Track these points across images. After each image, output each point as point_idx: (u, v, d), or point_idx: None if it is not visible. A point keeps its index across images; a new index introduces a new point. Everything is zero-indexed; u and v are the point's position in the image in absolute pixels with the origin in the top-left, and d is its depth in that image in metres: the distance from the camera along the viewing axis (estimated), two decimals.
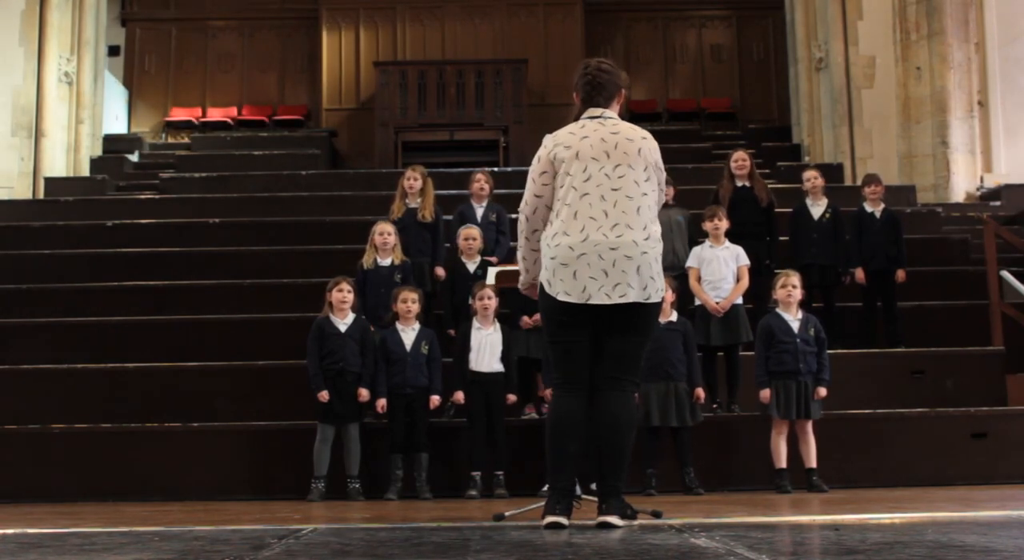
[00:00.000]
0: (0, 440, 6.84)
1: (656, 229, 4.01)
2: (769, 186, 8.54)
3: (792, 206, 8.54)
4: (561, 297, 3.92)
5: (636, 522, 3.99)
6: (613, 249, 3.88)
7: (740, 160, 8.17)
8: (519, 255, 4.23)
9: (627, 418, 3.95)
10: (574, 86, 4.19)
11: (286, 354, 7.52)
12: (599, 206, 3.92)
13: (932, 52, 12.18)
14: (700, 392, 6.64)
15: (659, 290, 3.96)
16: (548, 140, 4.12)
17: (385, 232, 7.41)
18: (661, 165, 4.11)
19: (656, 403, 6.49)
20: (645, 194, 3.98)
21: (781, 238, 8.27)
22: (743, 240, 7.53)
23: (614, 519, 3.83)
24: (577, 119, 4.13)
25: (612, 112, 4.15)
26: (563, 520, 3.80)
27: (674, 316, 6.72)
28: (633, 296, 3.88)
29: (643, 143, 4.04)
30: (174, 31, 17.87)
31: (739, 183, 8.11)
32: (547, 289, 3.98)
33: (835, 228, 8.22)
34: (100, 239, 10.21)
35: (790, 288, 6.63)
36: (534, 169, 4.08)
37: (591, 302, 3.88)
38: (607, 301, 3.87)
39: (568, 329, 3.96)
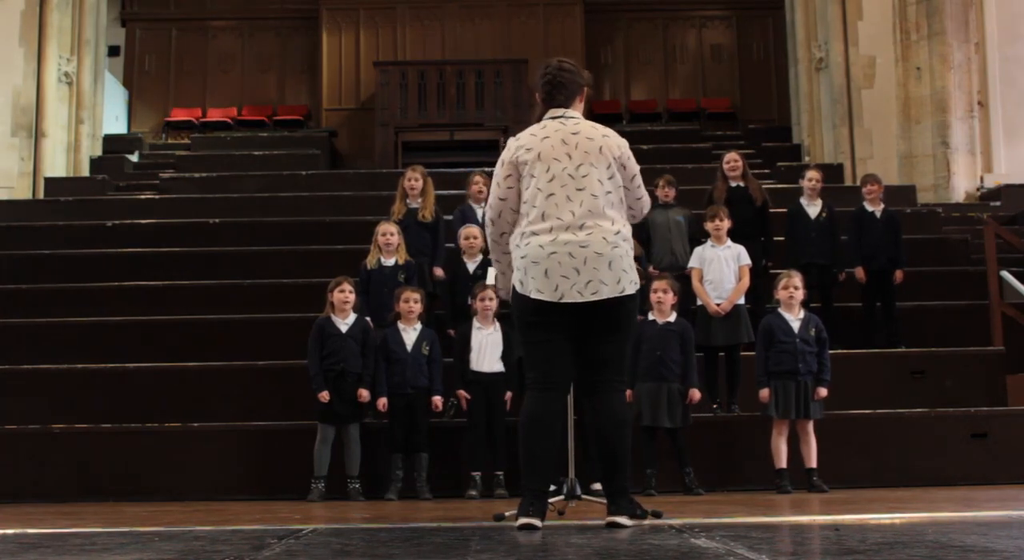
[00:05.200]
0: (0, 440, 6.85)
1: (626, 224, 4.00)
2: (766, 186, 8.55)
3: (787, 206, 8.53)
4: (534, 295, 3.89)
5: (646, 522, 3.99)
6: (583, 247, 3.87)
7: (732, 162, 8.22)
8: (492, 258, 4.22)
9: (625, 417, 3.99)
10: (536, 86, 4.20)
11: (286, 354, 7.51)
12: (566, 206, 3.92)
13: (932, 52, 12.18)
14: (694, 393, 6.59)
15: (632, 282, 3.94)
16: (511, 143, 4.12)
17: (388, 232, 7.40)
18: (628, 161, 4.07)
19: (647, 403, 6.47)
20: (609, 192, 3.97)
21: (777, 238, 8.27)
22: (738, 240, 7.52)
23: (623, 519, 3.84)
24: (539, 120, 4.13)
25: (574, 112, 4.15)
26: (536, 522, 3.78)
27: (673, 317, 6.71)
28: (607, 292, 3.87)
29: (604, 141, 4.03)
30: (174, 31, 17.89)
31: (733, 183, 8.14)
32: (519, 289, 3.97)
33: (832, 227, 8.23)
34: (100, 239, 10.20)
35: (792, 289, 6.62)
36: (498, 173, 4.08)
37: (564, 300, 3.86)
38: (580, 299, 3.85)
39: (543, 329, 3.93)
